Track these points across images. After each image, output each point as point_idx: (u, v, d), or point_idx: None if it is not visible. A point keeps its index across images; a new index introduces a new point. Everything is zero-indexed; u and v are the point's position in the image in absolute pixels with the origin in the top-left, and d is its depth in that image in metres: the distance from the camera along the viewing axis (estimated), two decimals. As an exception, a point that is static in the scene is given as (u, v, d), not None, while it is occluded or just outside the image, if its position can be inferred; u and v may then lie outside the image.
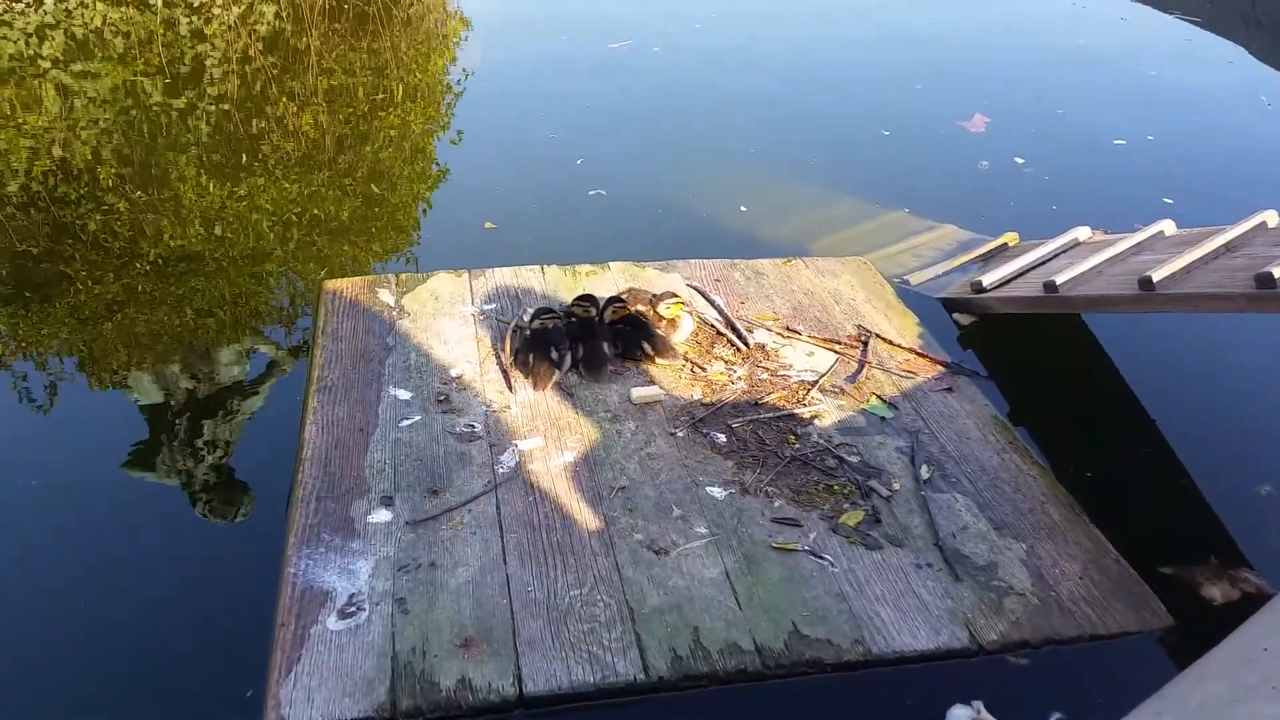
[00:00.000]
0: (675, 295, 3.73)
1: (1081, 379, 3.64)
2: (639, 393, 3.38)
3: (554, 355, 3.46)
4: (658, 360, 3.57)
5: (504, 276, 4.12)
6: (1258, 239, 3.40)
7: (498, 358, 3.55)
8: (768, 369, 3.57)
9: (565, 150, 5.11)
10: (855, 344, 3.73)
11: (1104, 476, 3.03)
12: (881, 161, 5.10)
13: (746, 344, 3.68)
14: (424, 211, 4.71)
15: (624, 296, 3.79)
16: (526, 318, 3.70)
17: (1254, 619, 2.08)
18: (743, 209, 4.54)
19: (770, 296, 4.11)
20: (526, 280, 4.10)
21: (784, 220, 4.58)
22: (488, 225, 4.43)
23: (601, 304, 3.67)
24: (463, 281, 4.06)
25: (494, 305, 3.92)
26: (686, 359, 3.62)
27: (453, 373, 3.47)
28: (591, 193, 4.67)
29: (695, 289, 4.11)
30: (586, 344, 3.53)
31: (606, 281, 4.13)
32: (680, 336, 3.72)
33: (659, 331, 3.64)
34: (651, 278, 4.21)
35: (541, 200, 4.69)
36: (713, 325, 3.82)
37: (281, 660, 2.23)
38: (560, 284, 4.11)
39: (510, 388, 3.40)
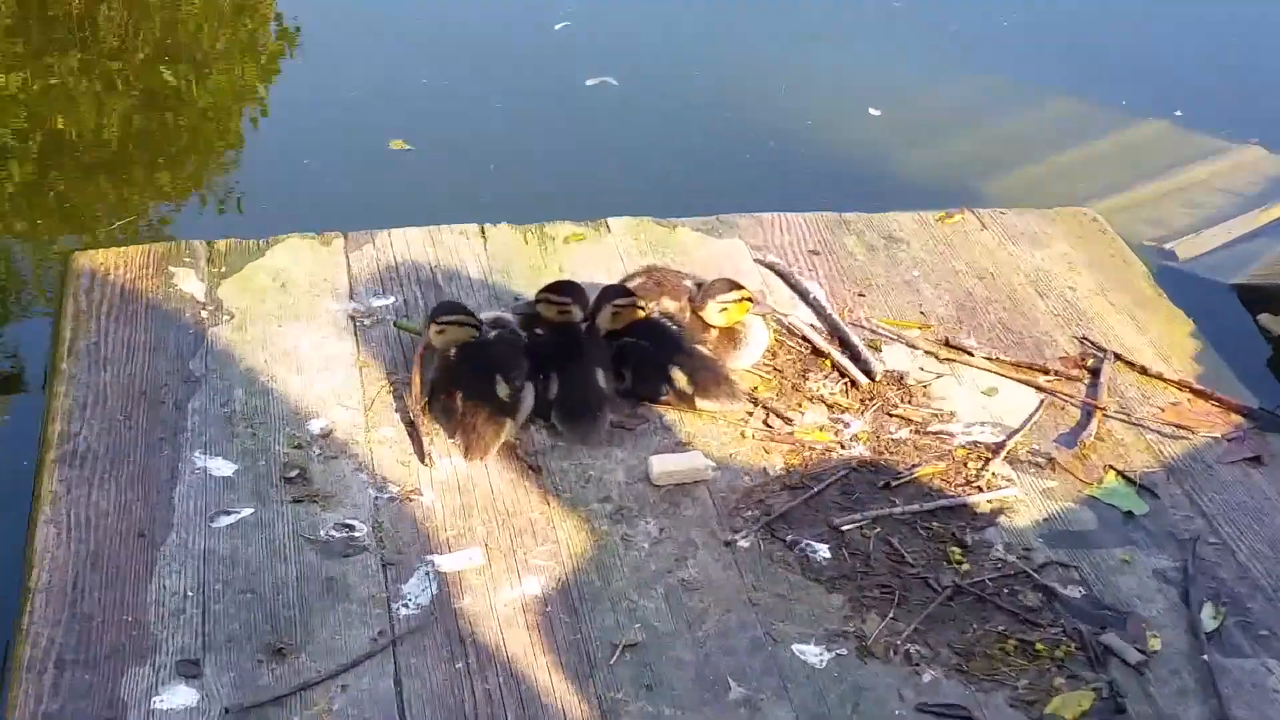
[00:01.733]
0: (736, 284, 3.75)
1: None
2: (665, 464, 3.40)
3: (503, 393, 3.47)
4: (700, 403, 3.59)
5: (411, 244, 4.12)
6: None
7: (398, 399, 3.59)
8: (910, 420, 3.59)
9: (534, 3, 5.15)
10: (1077, 371, 3.77)
11: None
12: (1123, 28, 5.10)
13: (870, 373, 3.70)
14: (259, 122, 4.75)
15: (637, 284, 3.80)
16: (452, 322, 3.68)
17: None
18: (873, 113, 4.60)
19: (915, 281, 4.12)
20: (454, 251, 4.10)
21: (943, 137, 4.58)
22: (395, 145, 4.51)
23: (594, 300, 3.69)
24: (333, 253, 4.05)
25: (391, 299, 3.92)
26: (756, 401, 3.64)
27: (314, 426, 3.50)
28: (590, 83, 4.72)
29: (772, 268, 4.12)
30: (565, 372, 3.55)
31: (604, 254, 4.13)
32: (745, 359, 3.73)
33: (702, 349, 3.65)
34: (689, 247, 4.20)
35: (491, 98, 4.69)
36: (804, 339, 3.84)
37: None
38: (517, 259, 4.10)
39: (422, 455, 3.42)
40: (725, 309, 3.70)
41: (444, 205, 4.18)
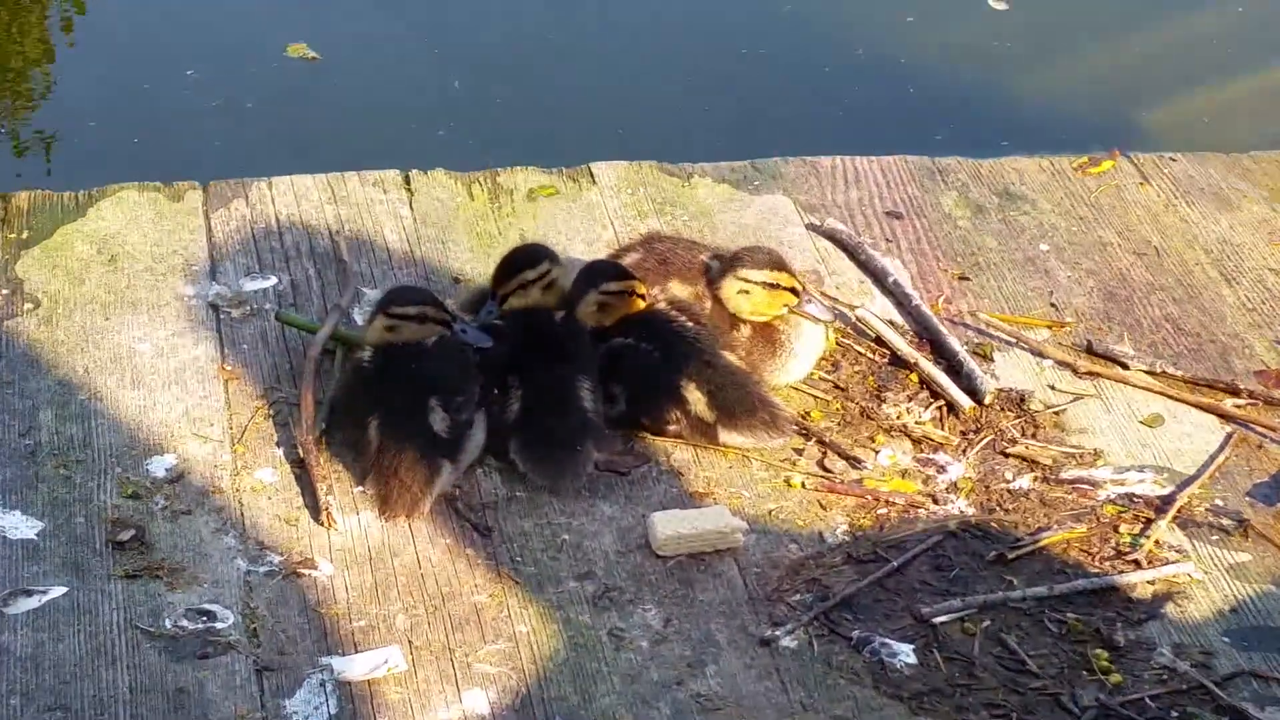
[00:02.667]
0: (776, 261, 3.77)
1: None
2: (674, 525, 3.40)
3: (440, 424, 3.51)
4: (726, 435, 3.63)
5: (303, 199, 4.19)
6: None
7: (282, 427, 3.61)
8: (1034, 462, 3.61)
9: None
10: None
11: None
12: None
13: (976, 394, 3.73)
14: (76, 21, 4.77)
15: (633, 261, 3.84)
16: (360, 317, 3.78)
17: None
18: (995, 7, 4.62)
19: (1043, 259, 4.19)
20: (365, 210, 4.18)
21: (1090, 44, 4.62)
22: (293, 51, 4.56)
23: (575, 282, 3.73)
24: (187, 212, 4.13)
25: (272, 279, 3.99)
26: (808, 433, 3.67)
27: (157, 466, 3.52)
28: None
29: (833, 238, 4.18)
30: (532, 385, 3.60)
31: (585, 216, 4.19)
32: (793, 370, 3.77)
33: (729, 356, 3.68)
34: (711, 206, 4.26)
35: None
36: (879, 342, 3.88)
37: None
38: (459, 222, 4.18)
39: (317, 509, 3.44)
40: (747, 290, 3.71)
41: (354, 142, 4.16)
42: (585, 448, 3.54)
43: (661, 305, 3.72)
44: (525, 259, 3.71)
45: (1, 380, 3.69)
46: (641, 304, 3.69)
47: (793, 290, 3.70)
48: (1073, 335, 3.92)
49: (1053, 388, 3.78)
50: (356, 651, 3.18)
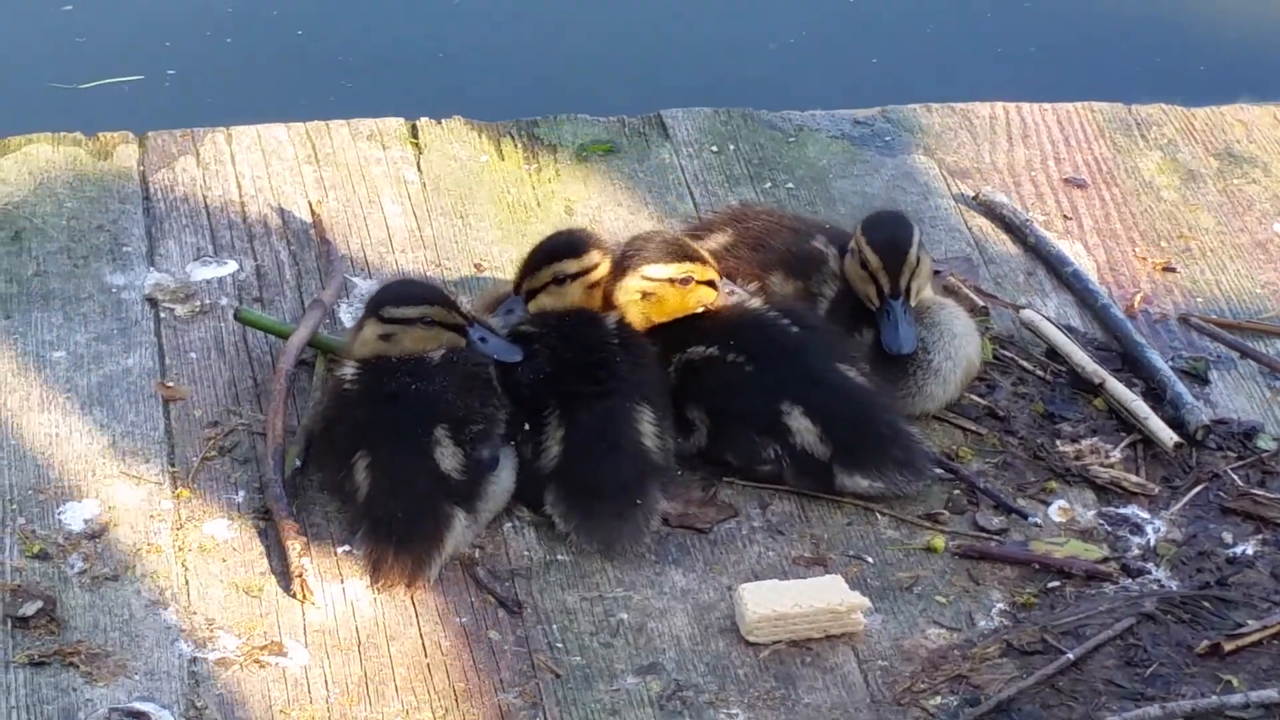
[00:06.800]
0: (888, 241, 3.74)
1: None
2: (770, 601, 3.40)
3: (449, 461, 3.55)
4: (845, 479, 3.63)
5: (274, 156, 4.24)
6: None
7: (242, 464, 3.64)
8: (1265, 520, 3.60)
9: None
10: None
11: None
12: None
13: (1186, 429, 3.73)
14: None
15: (718, 245, 3.89)
16: (349, 318, 3.83)
17: None
18: None
19: (1275, 246, 4.21)
20: (357, 171, 4.23)
21: None
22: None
23: (623, 262, 3.75)
24: (116, 173, 4.20)
25: (231, 265, 4.04)
26: (956, 476, 3.68)
27: (72, 516, 3.55)
28: None
29: (993, 212, 4.20)
30: (573, 416, 3.63)
31: (654, 181, 4.23)
32: (934, 392, 3.76)
33: (849, 371, 3.69)
34: (825, 170, 4.29)
35: None
36: (1051, 354, 3.88)
37: None
38: (483, 189, 4.23)
39: (290, 580, 3.45)
40: (850, 252, 3.74)
41: (344, 80, 4.22)
42: (648, 497, 3.56)
43: (756, 304, 3.74)
44: (565, 246, 3.74)
45: None
46: (712, 295, 3.71)
47: (876, 285, 3.72)
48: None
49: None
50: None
